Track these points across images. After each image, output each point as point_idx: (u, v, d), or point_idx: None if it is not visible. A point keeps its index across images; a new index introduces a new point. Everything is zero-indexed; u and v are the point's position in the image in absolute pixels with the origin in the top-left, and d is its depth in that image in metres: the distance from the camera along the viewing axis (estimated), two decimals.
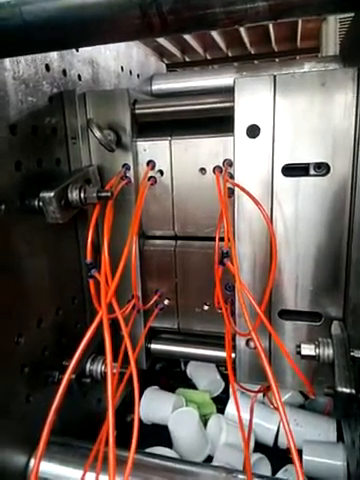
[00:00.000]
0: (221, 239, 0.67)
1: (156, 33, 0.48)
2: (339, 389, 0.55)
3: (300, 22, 3.31)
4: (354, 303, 0.66)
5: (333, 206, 0.66)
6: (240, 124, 0.67)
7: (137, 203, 0.71)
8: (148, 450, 0.87)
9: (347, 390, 0.54)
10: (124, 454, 0.51)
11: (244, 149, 0.67)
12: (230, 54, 4.19)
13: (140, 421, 1.03)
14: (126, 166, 0.76)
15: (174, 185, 0.76)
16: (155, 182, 0.77)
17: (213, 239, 0.71)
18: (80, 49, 0.76)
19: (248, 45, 3.97)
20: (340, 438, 0.94)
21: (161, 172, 0.77)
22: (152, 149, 0.76)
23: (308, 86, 0.63)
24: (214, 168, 0.73)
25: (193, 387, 1.18)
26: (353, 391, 0.54)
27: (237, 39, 3.73)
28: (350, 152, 0.64)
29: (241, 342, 0.76)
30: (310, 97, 0.64)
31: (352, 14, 0.86)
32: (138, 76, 1.06)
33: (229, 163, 0.71)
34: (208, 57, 4.23)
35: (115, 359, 0.62)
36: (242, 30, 3.51)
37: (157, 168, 0.77)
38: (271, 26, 3.39)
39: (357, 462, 0.70)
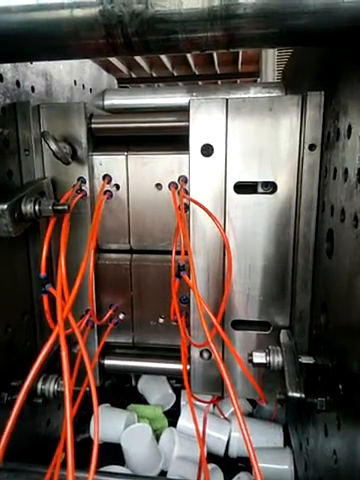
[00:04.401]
0: (177, 252, 0.69)
1: (120, 53, 0.50)
2: (290, 394, 0.58)
3: None
4: (300, 311, 0.71)
5: (280, 221, 0.71)
6: (195, 143, 0.70)
7: (94, 217, 0.71)
8: (102, 470, 0.85)
9: (297, 394, 0.58)
10: (81, 475, 0.50)
11: (199, 167, 0.71)
12: (175, 73, 4.31)
13: (90, 440, 1.00)
14: (81, 179, 0.75)
15: (130, 199, 0.77)
16: (111, 196, 0.78)
17: (168, 252, 0.73)
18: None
19: (193, 66, 4.12)
20: (287, 443, 0.99)
21: (117, 186, 0.78)
22: (108, 163, 0.77)
23: (257, 110, 0.68)
24: (170, 184, 0.75)
25: (145, 402, 1.17)
26: (303, 395, 0.58)
27: (182, 59, 3.86)
28: (295, 172, 0.69)
29: (195, 353, 0.78)
30: (259, 120, 0.69)
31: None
32: (90, 90, 1.06)
33: (184, 179, 0.74)
34: (154, 75, 4.32)
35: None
36: None
37: (113, 182, 0.78)
38: None
39: (305, 464, 0.74)
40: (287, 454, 0.94)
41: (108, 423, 1.02)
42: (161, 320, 0.81)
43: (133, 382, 1.24)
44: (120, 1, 0.45)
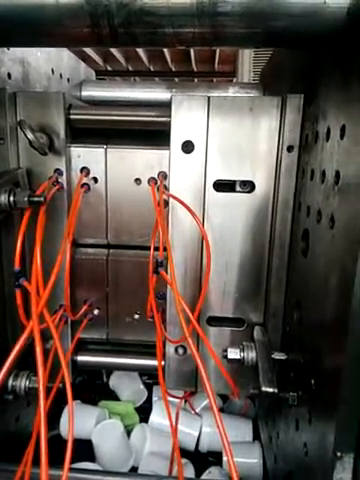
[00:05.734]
0: (156, 248, 0.68)
1: (105, 44, 0.49)
2: (264, 389, 0.59)
3: None
4: (274, 308, 0.73)
5: (257, 220, 0.73)
6: (176, 139, 0.70)
7: (71, 210, 0.70)
8: (74, 466, 0.84)
9: (271, 390, 0.59)
10: (54, 473, 0.49)
11: (179, 163, 0.71)
12: (152, 68, 4.29)
13: (60, 438, 0.99)
14: (58, 171, 0.73)
15: (109, 193, 0.76)
16: (88, 189, 0.76)
17: (146, 248, 0.72)
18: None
19: (169, 62, 4.11)
20: (256, 437, 1.01)
21: (95, 179, 0.76)
22: (87, 156, 0.75)
23: (238, 109, 0.69)
24: (149, 179, 0.74)
25: (116, 399, 1.16)
26: (276, 390, 0.59)
27: (160, 55, 3.84)
28: (272, 172, 0.71)
29: (170, 349, 0.78)
30: (239, 120, 0.69)
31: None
32: (68, 80, 1.04)
33: (164, 175, 0.74)
34: (130, 68, 4.28)
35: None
36: None
37: (91, 175, 0.76)
38: None
39: (275, 458, 0.76)
40: (256, 448, 0.96)
41: (79, 420, 1.01)
42: (136, 316, 0.81)
43: (104, 378, 1.23)
44: None
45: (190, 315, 0.60)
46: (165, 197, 0.71)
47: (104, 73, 4.14)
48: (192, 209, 0.70)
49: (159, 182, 0.73)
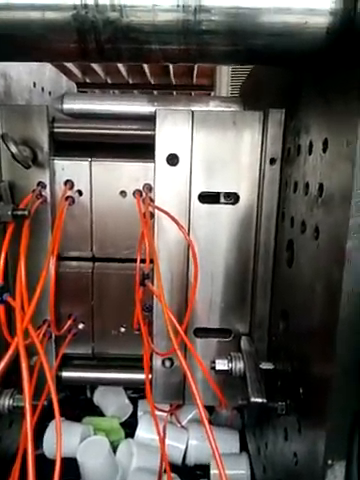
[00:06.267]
0: (142, 261, 0.68)
1: (91, 59, 0.49)
2: (253, 399, 0.60)
3: None
4: (260, 317, 0.74)
5: (242, 231, 0.74)
6: (161, 152, 0.71)
7: (56, 223, 0.69)
8: None
9: (260, 400, 0.59)
10: None
11: (164, 176, 0.71)
12: (131, 81, 4.32)
13: (44, 457, 0.96)
14: (42, 184, 0.73)
15: (94, 206, 0.76)
16: (73, 202, 0.76)
17: (132, 261, 0.72)
18: None
19: (148, 75, 4.15)
20: (243, 448, 1.01)
21: (80, 192, 0.76)
22: (71, 168, 0.75)
23: (221, 123, 0.70)
24: (134, 192, 0.75)
25: (101, 414, 1.14)
26: (265, 400, 0.60)
27: (139, 68, 3.88)
28: (256, 184, 0.72)
29: (157, 362, 0.78)
30: (223, 133, 0.71)
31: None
32: (50, 93, 1.04)
33: (149, 188, 0.74)
34: (109, 81, 4.30)
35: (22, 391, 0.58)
36: None
37: (75, 188, 0.76)
38: None
39: (263, 468, 0.76)
40: (244, 459, 0.96)
41: (63, 437, 0.98)
42: (122, 329, 0.80)
43: (88, 394, 1.20)
44: (94, 7, 0.45)
45: (178, 327, 0.60)
46: (151, 209, 0.71)
47: (83, 85, 4.14)
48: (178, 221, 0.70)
49: (144, 194, 0.73)
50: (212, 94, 3.77)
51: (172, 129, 0.70)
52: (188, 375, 0.52)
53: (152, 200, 0.72)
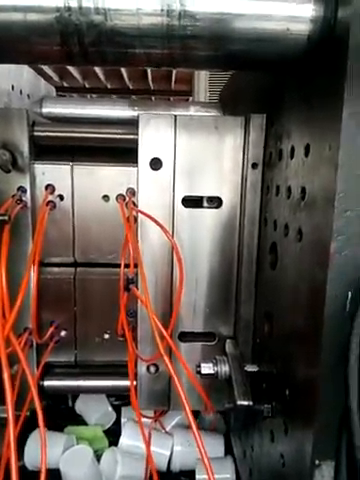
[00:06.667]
0: (126, 265, 0.68)
1: (75, 62, 0.49)
2: (239, 402, 0.60)
3: None
4: (245, 320, 0.74)
5: (225, 235, 0.74)
6: (144, 156, 0.71)
7: (37, 229, 0.68)
8: None
9: (246, 402, 0.60)
10: None
11: (147, 180, 0.71)
12: (109, 86, 4.30)
13: (25, 469, 0.93)
14: (22, 189, 0.71)
15: (76, 211, 0.75)
16: (54, 207, 0.74)
17: (115, 265, 0.71)
18: None
19: (126, 80, 4.14)
20: (228, 452, 1.01)
21: (61, 197, 0.75)
22: (52, 173, 0.74)
23: (204, 128, 0.71)
24: (117, 196, 0.74)
25: (83, 423, 1.12)
26: (251, 403, 0.60)
27: (117, 72, 3.87)
28: (238, 188, 0.73)
29: (142, 368, 0.77)
30: (205, 138, 0.71)
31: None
32: (28, 97, 1.02)
33: (132, 192, 0.73)
34: (87, 85, 4.27)
35: (3, 402, 0.56)
36: None
37: (57, 192, 0.75)
38: None
39: (250, 471, 0.76)
40: (229, 463, 0.96)
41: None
42: (107, 336, 0.79)
43: (70, 402, 1.17)
44: (78, 10, 0.45)
45: (164, 332, 0.60)
46: (134, 213, 0.71)
47: (60, 89, 4.09)
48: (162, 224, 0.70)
49: (128, 199, 0.73)
50: (190, 99, 3.80)
51: (155, 133, 0.70)
52: (175, 380, 0.51)
53: (135, 204, 0.72)
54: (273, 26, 0.47)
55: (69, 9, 0.44)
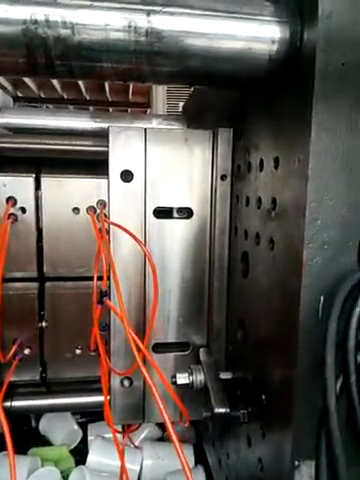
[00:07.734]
0: (99, 278, 0.67)
1: (41, 74, 0.49)
2: (216, 410, 0.60)
3: None
4: (217, 328, 0.75)
5: (196, 245, 0.75)
6: (114, 168, 0.70)
7: None
8: None
9: (223, 410, 0.60)
10: None
11: (119, 192, 0.71)
12: (65, 96, 4.24)
13: None
14: None
15: (44, 224, 0.73)
16: (16, 220, 0.72)
17: (87, 279, 0.70)
18: None
19: (83, 90, 4.10)
20: (198, 462, 1.01)
21: (23, 209, 0.72)
22: (13, 185, 0.72)
23: (174, 141, 0.72)
24: (88, 208, 0.73)
25: (47, 443, 1.07)
26: (228, 410, 0.61)
27: (73, 83, 3.82)
28: (208, 199, 0.75)
29: (115, 382, 0.75)
30: (175, 150, 0.72)
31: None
32: None
33: (103, 204, 0.73)
34: (42, 95, 4.18)
35: None
36: None
37: (18, 205, 0.72)
38: None
39: (226, 479, 0.77)
40: (200, 473, 0.97)
41: (7, 472, 0.91)
42: (78, 351, 0.77)
43: (33, 423, 1.12)
44: (44, 23, 0.44)
45: (140, 344, 0.59)
46: (106, 225, 0.70)
47: (14, 100, 3.97)
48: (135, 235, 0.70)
49: (99, 211, 0.72)
50: (148, 111, 3.83)
51: (125, 146, 0.70)
52: (154, 392, 0.51)
53: (107, 216, 0.71)
54: (235, 45, 0.49)
55: (36, 22, 0.44)
